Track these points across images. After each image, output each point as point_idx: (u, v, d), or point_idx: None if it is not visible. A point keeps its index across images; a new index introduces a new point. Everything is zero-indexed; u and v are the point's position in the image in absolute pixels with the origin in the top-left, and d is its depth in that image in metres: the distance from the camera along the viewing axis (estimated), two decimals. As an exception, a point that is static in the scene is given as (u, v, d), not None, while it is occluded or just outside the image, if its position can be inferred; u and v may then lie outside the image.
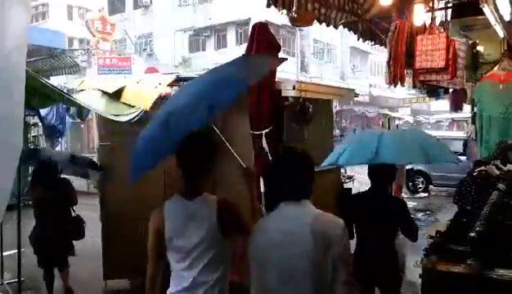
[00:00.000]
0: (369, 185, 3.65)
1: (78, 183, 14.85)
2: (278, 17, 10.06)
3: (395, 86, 6.23)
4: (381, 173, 3.47)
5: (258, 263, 2.09)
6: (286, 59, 3.19)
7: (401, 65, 5.62)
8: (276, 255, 1.97)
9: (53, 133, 11.81)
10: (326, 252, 1.89)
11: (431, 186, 12.91)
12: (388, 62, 5.68)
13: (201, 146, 2.35)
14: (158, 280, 2.60)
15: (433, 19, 6.18)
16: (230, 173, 2.91)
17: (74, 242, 5.37)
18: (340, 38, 29.47)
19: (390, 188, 3.79)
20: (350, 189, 6.54)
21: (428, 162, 4.64)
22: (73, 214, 5.33)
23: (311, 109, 5.43)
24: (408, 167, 10.83)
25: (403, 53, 5.59)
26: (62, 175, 5.37)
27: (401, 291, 3.52)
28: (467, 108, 10.17)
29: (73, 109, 11.64)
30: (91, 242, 6.25)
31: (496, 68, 6.38)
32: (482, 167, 4.19)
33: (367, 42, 7.79)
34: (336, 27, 6.87)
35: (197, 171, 2.36)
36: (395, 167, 3.61)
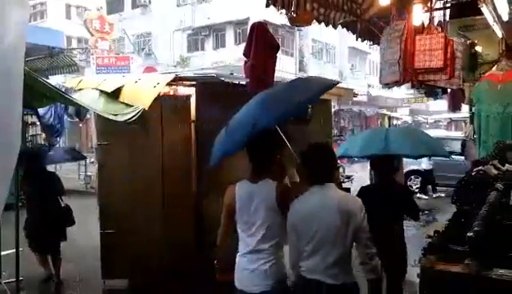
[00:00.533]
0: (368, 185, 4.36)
1: (76, 183, 14.84)
2: (277, 17, 10.07)
3: (389, 88, 6.24)
4: (383, 164, 3.95)
5: (295, 231, 2.70)
6: (340, 82, 3.92)
7: (410, 66, 5.61)
8: (310, 224, 2.62)
9: (51, 132, 11.77)
10: (349, 222, 2.55)
11: (429, 186, 12.92)
12: (398, 62, 5.65)
13: (264, 144, 3.02)
14: (226, 243, 3.18)
15: (431, 19, 6.18)
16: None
17: (74, 242, 5.39)
18: (339, 38, 29.48)
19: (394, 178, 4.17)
20: (348, 188, 6.54)
21: (429, 153, 5.32)
22: (62, 204, 5.84)
23: (309, 109, 5.43)
24: (409, 168, 10.83)
25: (411, 53, 5.59)
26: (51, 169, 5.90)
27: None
28: (465, 108, 10.20)
29: (71, 109, 11.62)
30: (89, 242, 6.25)
31: (494, 68, 6.39)
32: (481, 167, 4.20)
33: (366, 42, 7.80)
34: (335, 27, 6.88)
35: (261, 162, 3.03)
36: (395, 158, 4.03)
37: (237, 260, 3.01)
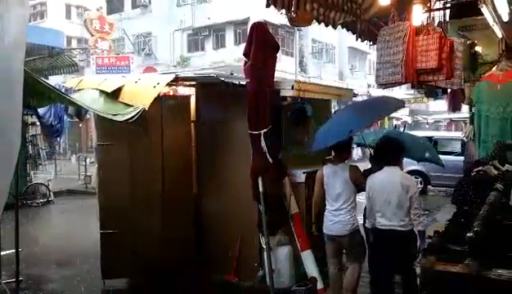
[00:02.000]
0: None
1: (76, 183, 14.84)
2: (277, 17, 10.06)
3: (384, 89, 6.24)
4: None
5: (371, 196, 4.06)
6: (404, 103, 5.40)
7: (413, 66, 5.60)
8: (382, 192, 3.98)
9: (51, 132, 11.78)
10: (407, 192, 3.87)
11: (429, 186, 12.92)
12: (401, 63, 5.64)
13: (344, 143, 4.53)
14: (321, 204, 4.61)
15: (429, 19, 6.18)
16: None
17: (74, 242, 5.37)
18: (339, 38, 29.47)
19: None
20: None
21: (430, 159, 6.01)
22: None
23: (310, 109, 5.43)
24: (409, 168, 10.82)
25: (414, 54, 5.57)
26: None
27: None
28: (465, 108, 10.19)
29: (71, 109, 11.62)
30: (89, 242, 6.25)
31: (494, 68, 6.39)
32: (481, 167, 4.20)
33: (366, 42, 7.78)
34: (335, 27, 6.86)
35: (341, 153, 4.55)
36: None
37: (325, 214, 4.51)
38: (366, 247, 4.52)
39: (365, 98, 28.73)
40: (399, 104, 5.81)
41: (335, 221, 4.39)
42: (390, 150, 4.13)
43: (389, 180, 3.95)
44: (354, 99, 8.53)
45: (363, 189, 4.27)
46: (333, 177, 4.46)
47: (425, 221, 3.89)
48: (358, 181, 4.41)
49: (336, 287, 4.61)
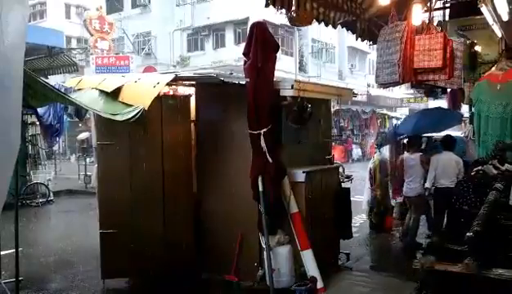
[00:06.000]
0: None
1: (76, 183, 14.82)
2: (276, 16, 10.05)
3: (385, 88, 6.26)
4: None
5: (435, 168, 6.60)
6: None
7: (410, 66, 5.61)
8: (442, 165, 6.59)
9: (51, 132, 11.79)
10: (457, 165, 6.49)
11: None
12: (398, 62, 5.65)
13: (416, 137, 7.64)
14: (403, 173, 7.29)
15: (430, 19, 6.18)
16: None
17: (74, 241, 5.36)
18: (339, 38, 29.45)
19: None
20: (348, 188, 6.55)
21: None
22: None
23: (309, 109, 5.43)
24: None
25: (412, 54, 5.58)
26: None
27: None
28: (465, 108, 10.19)
29: (71, 108, 11.62)
30: (89, 242, 6.25)
31: (494, 68, 6.38)
32: (480, 167, 4.20)
33: (366, 41, 7.79)
34: (335, 26, 6.87)
35: (414, 146, 7.29)
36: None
37: (405, 184, 7.16)
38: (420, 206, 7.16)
39: (364, 98, 28.84)
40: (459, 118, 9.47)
41: (410, 187, 7.07)
42: (450, 142, 6.83)
43: (448, 158, 6.60)
44: (354, 99, 8.56)
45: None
46: (409, 161, 7.10)
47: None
48: (423, 163, 6.93)
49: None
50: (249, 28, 5.28)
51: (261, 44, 4.99)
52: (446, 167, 6.51)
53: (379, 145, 8.90)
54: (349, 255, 6.36)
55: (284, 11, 5.74)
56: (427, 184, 6.65)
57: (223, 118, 5.69)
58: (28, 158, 12.13)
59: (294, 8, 5.74)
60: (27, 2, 1.87)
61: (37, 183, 12.07)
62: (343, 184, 6.67)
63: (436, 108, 9.35)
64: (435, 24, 6.48)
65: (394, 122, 30.00)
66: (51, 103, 9.18)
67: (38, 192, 11.97)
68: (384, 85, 6.46)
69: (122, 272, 5.59)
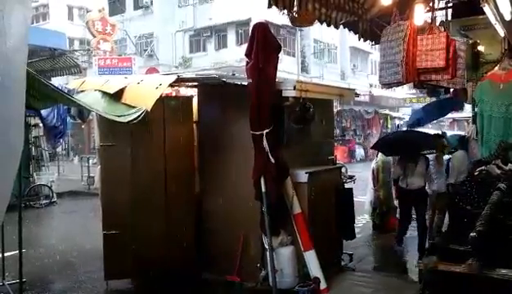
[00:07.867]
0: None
1: (79, 185, 14.84)
2: (278, 17, 10.05)
3: (388, 88, 6.24)
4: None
5: (460, 163, 7.11)
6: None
7: (413, 66, 5.59)
8: (458, 160, 7.20)
9: (54, 134, 11.80)
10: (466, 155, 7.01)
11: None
12: (401, 62, 5.64)
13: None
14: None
15: (433, 19, 6.17)
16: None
17: (77, 242, 5.37)
18: (340, 38, 29.41)
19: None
20: (351, 188, 6.54)
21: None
22: None
23: (311, 109, 5.43)
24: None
25: (415, 54, 5.56)
26: None
27: None
28: (468, 107, 10.16)
29: (74, 110, 11.62)
30: (92, 243, 6.26)
31: (496, 67, 6.36)
32: (483, 167, 4.19)
33: (368, 41, 7.78)
34: (337, 27, 6.87)
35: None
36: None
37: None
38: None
39: (366, 98, 28.80)
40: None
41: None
42: (461, 141, 7.61)
43: (461, 154, 7.20)
44: (357, 99, 8.56)
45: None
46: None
47: None
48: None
49: None
50: (251, 29, 5.28)
51: (262, 45, 4.99)
52: (463, 165, 7.03)
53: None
54: (352, 255, 6.35)
55: (286, 11, 5.74)
56: (450, 180, 7.06)
57: (225, 118, 5.70)
58: (31, 160, 12.16)
59: (295, 9, 5.74)
60: (29, 4, 1.87)
61: (40, 184, 12.10)
62: (346, 185, 6.67)
63: (436, 100, 10.69)
64: (437, 23, 6.46)
65: (397, 122, 29.97)
66: (55, 104, 9.19)
67: (41, 193, 12.00)
68: (388, 85, 6.44)
69: (125, 273, 5.59)
